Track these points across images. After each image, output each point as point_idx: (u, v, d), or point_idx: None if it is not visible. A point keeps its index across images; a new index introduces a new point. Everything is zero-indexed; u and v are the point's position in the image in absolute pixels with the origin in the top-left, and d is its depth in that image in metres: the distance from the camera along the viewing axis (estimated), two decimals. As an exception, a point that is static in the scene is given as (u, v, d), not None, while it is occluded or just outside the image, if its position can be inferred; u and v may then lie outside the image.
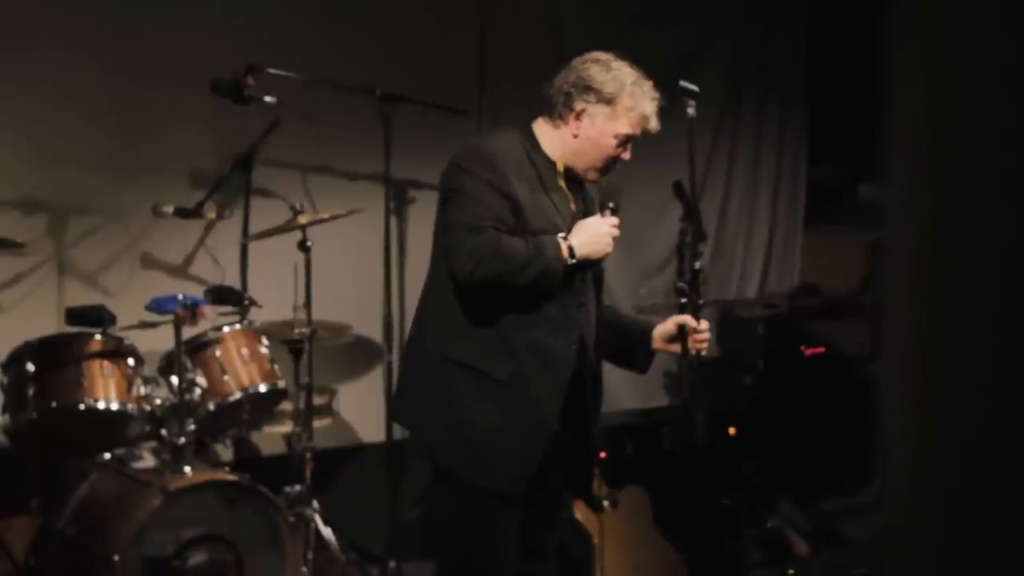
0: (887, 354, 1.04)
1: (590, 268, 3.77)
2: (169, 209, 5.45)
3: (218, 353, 4.94)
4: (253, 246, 5.59)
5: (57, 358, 4.73)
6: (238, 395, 4.94)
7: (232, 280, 5.62)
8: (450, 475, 3.72)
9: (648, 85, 3.73)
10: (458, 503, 3.74)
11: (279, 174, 6.02)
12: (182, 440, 4.72)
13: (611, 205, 3.71)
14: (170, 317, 4.72)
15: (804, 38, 7.78)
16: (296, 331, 5.08)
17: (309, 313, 5.06)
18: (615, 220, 3.69)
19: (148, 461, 5.15)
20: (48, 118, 5.55)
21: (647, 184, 7.12)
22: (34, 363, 4.68)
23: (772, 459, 5.92)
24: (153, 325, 4.78)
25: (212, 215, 5.60)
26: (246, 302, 5.15)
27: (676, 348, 3.91)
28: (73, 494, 4.74)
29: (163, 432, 4.80)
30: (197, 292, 5.05)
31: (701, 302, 3.95)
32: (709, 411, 5.98)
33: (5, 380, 4.73)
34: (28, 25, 5.49)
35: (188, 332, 4.83)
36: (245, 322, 5.12)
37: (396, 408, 4.51)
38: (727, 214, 7.64)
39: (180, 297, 4.71)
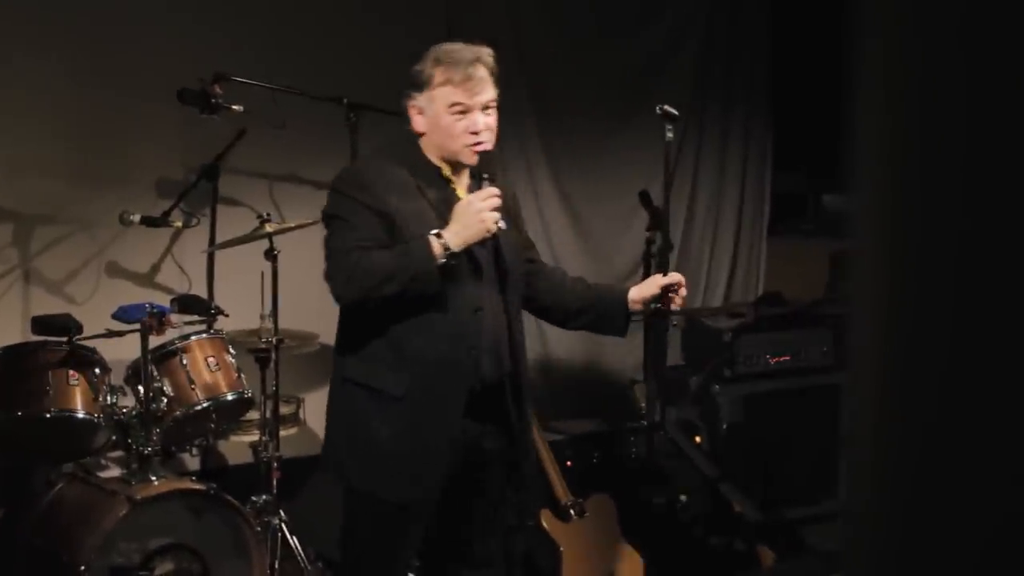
0: (851, 359, 1.06)
1: (483, 262, 3.67)
2: (136, 218, 5.44)
3: (184, 362, 4.93)
4: (219, 255, 5.59)
5: (23, 366, 4.71)
6: (205, 404, 4.93)
7: (198, 289, 5.62)
8: (353, 490, 3.78)
9: (458, 49, 3.64)
10: (359, 516, 3.80)
11: (246, 183, 6.02)
12: (148, 449, 4.71)
13: (485, 176, 3.63)
14: (137, 326, 4.71)
15: (768, 47, 7.83)
16: (263, 340, 5.08)
17: (276, 322, 5.06)
18: (491, 191, 3.58)
19: (114, 470, 5.14)
20: (14, 127, 5.54)
21: (612, 193, 7.17)
22: (-1, 371, 4.67)
23: (737, 467, 5.95)
24: (120, 334, 4.77)
25: (178, 224, 5.60)
26: (213, 311, 5.14)
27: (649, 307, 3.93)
28: (39, 503, 4.73)
29: (129, 441, 4.79)
30: (164, 301, 5.03)
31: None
32: (674, 420, 6.04)
33: (-30, 388, 4.71)
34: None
35: (155, 341, 4.81)
36: (212, 331, 5.11)
37: None
38: (692, 223, 7.68)
39: (147, 306, 4.70)
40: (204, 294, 5.51)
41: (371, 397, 3.64)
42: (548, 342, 6.98)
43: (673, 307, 3.90)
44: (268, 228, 5.01)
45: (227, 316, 5.19)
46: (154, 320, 4.69)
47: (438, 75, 3.59)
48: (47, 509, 4.71)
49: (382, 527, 3.75)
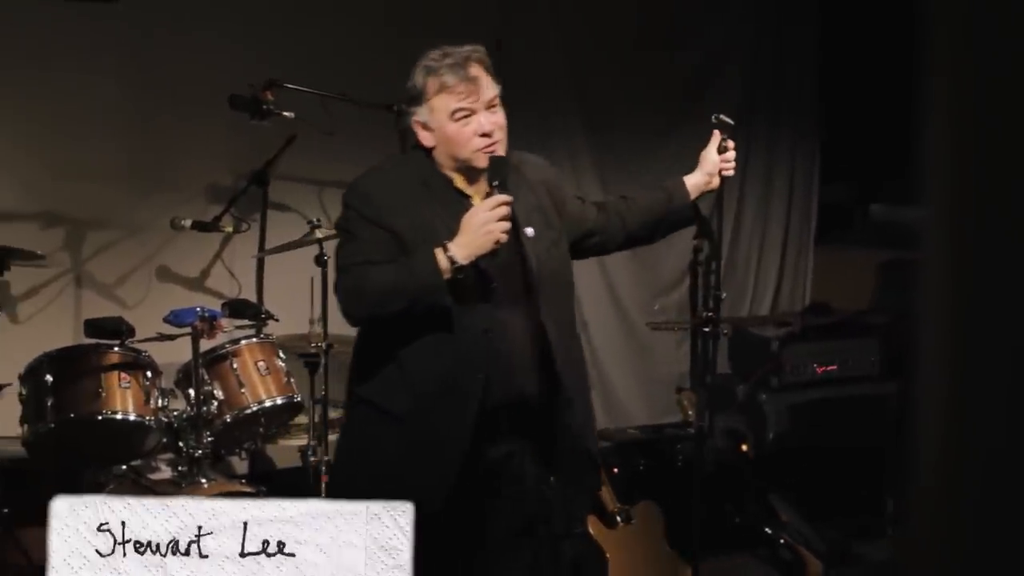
0: (920, 370, 1.06)
1: (492, 279, 3.44)
2: (187, 222, 5.49)
3: (235, 366, 4.96)
4: (269, 260, 5.63)
5: (75, 369, 4.75)
6: (254, 408, 4.95)
7: (248, 293, 5.66)
8: None
9: (443, 53, 3.46)
10: None
11: (296, 189, 6.06)
12: (199, 452, 4.74)
13: (495, 182, 3.41)
14: (188, 329, 4.74)
15: (816, 58, 7.80)
16: (312, 345, 5.11)
17: (325, 327, 5.08)
18: (497, 199, 3.36)
19: (165, 472, 5.17)
20: (67, 133, 5.60)
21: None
22: (52, 374, 4.71)
23: (784, 477, 5.93)
24: (171, 337, 4.81)
25: (229, 229, 5.64)
26: (263, 315, 5.17)
27: (713, 185, 3.95)
28: (90, 505, 4.76)
29: (180, 444, 4.82)
30: (213, 305, 5.06)
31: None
32: (722, 428, 6.02)
33: (24, 391, 4.76)
34: (48, 42, 5.54)
35: (205, 345, 4.85)
36: (262, 335, 5.15)
37: None
38: (740, 232, 7.66)
39: (198, 310, 4.73)
40: (254, 299, 5.54)
41: (376, 415, 3.53)
42: (595, 350, 6.98)
43: (726, 173, 3.93)
44: (318, 234, 5.05)
45: (277, 321, 5.22)
46: (205, 324, 4.72)
47: (431, 85, 3.42)
48: (98, 511, 4.74)
49: None
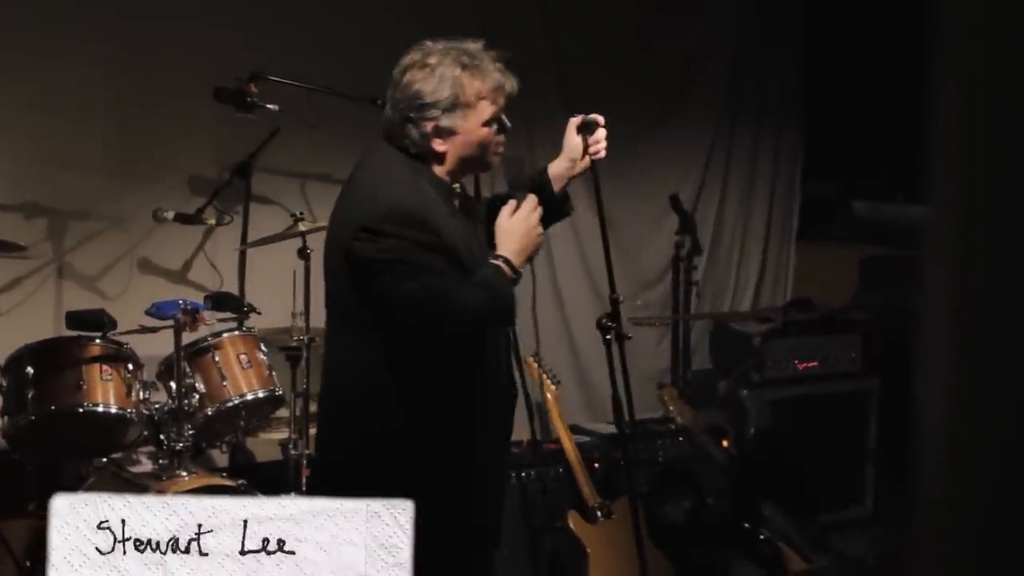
0: (924, 365, 1.06)
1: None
2: (169, 214, 5.47)
3: (217, 359, 4.96)
4: (252, 253, 5.63)
5: (56, 361, 4.74)
6: (236, 401, 4.95)
7: (230, 286, 5.65)
8: None
9: (478, 52, 3.28)
10: None
11: (279, 181, 6.05)
12: (179, 445, 4.74)
13: (520, 188, 3.39)
14: (170, 322, 4.74)
15: (802, 53, 7.81)
16: (294, 338, 5.11)
17: (307, 321, 5.09)
18: (532, 200, 3.31)
19: (145, 465, 5.17)
20: (50, 123, 5.58)
21: (643, 196, 7.17)
22: (33, 366, 4.69)
23: (765, 473, 5.95)
24: (153, 330, 4.81)
25: (212, 221, 5.63)
26: (245, 308, 5.17)
27: (577, 169, 3.60)
28: (70, 497, 4.75)
29: (161, 436, 4.82)
30: (196, 298, 5.06)
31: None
32: (702, 423, 6.04)
33: (4, 383, 4.74)
34: (31, 30, 5.52)
35: (187, 337, 4.85)
36: (244, 328, 5.14)
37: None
38: (722, 227, 7.67)
39: (180, 302, 4.73)
40: (236, 292, 5.54)
41: (425, 452, 3.34)
42: (577, 345, 6.99)
43: (596, 155, 3.57)
44: (301, 227, 5.05)
45: (259, 314, 5.22)
46: (187, 317, 4.72)
47: (470, 90, 3.23)
48: (78, 503, 4.73)
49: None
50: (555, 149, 3.68)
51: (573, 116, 3.63)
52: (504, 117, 3.31)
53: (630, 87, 7.17)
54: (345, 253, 3.24)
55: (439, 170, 3.30)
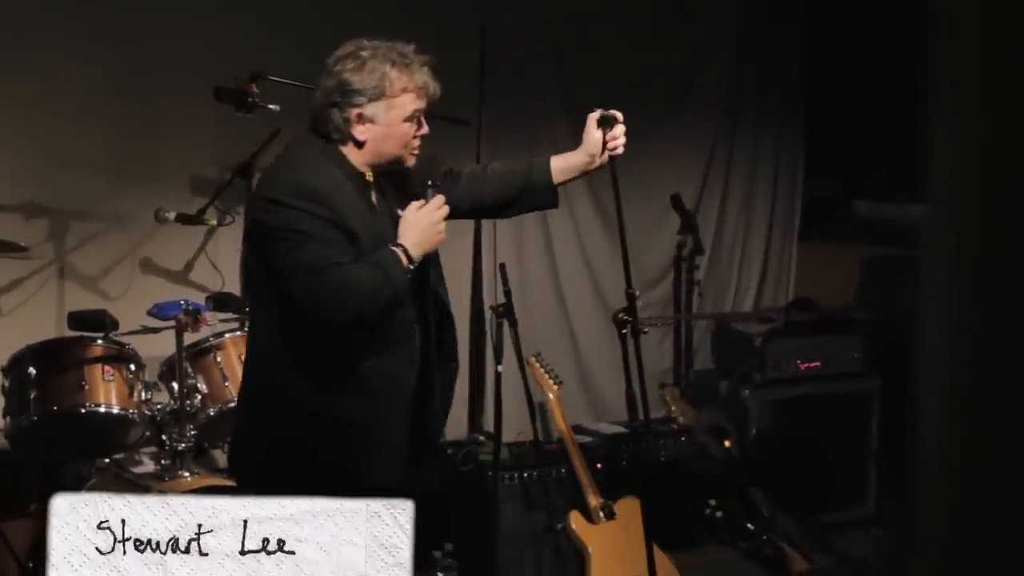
0: (923, 363, 1.06)
1: (424, 272, 3.52)
2: (170, 215, 5.47)
3: (219, 359, 4.96)
4: (253, 253, 5.61)
5: (58, 362, 4.75)
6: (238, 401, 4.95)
7: (232, 287, 5.64)
8: None
9: (409, 52, 3.44)
10: None
11: (280, 182, 6.04)
12: (182, 445, 4.75)
13: (429, 183, 3.46)
14: (171, 323, 4.75)
15: (803, 53, 7.81)
16: (295, 338, 5.10)
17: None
18: (439, 199, 3.44)
19: (148, 466, 5.17)
20: (51, 123, 5.58)
21: (644, 195, 7.17)
22: (35, 367, 4.70)
23: (767, 473, 5.95)
24: (155, 330, 4.81)
25: (213, 222, 5.62)
26: (246, 309, 5.17)
27: (596, 164, 3.73)
28: (72, 497, 4.75)
29: (163, 437, 4.83)
30: (197, 298, 5.06)
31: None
32: (704, 424, 6.04)
33: (6, 383, 4.75)
34: (32, 29, 5.51)
35: (189, 338, 4.85)
36: (246, 329, 5.14)
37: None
38: (723, 227, 7.67)
39: (182, 303, 4.73)
40: (238, 292, 5.53)
41: (330, 425, 3.48)
42: (579, 345, 6.99)
43: (615, 151, 3.71)
44: (302, 227, 5.04)
45: (261, 314, 5.21)
46: (189, 317, 4.72)
47: (397, 84, 3.39)
48: (81, 503, 4.74)
49: None
50: (555, 149, 3.70)
51: (592, 111, 3.74)
52: (424, 119, 3.47)
53: (631, 87, 7.16)
54: (251, 225, 3.48)
55: (357, 158, 3.45)
